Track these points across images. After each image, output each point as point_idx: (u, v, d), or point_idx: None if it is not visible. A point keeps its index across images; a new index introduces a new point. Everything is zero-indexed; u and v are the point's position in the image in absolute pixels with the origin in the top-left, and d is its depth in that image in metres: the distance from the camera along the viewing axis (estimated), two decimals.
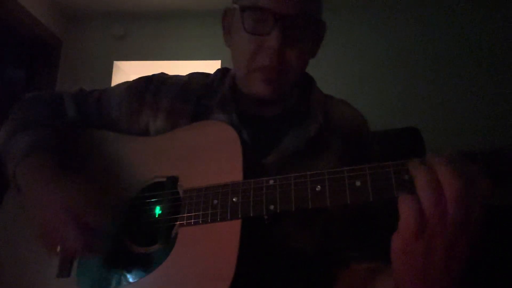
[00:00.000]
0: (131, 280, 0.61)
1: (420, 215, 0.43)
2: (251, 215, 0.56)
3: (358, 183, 0.50)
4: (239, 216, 0.57)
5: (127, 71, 2.85)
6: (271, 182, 0.56)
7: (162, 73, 0.84)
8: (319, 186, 0.53)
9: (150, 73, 0.84)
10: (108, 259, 0.64)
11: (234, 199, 0.58)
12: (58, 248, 0.61)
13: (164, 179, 0.67)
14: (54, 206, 0.60)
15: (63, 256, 0.66)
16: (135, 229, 0.66)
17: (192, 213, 0.60)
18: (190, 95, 0.79)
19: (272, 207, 0.55)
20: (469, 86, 2.42)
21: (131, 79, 0.85)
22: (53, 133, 0.73)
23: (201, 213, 0.60)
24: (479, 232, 0.43)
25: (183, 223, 0.61)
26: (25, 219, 0.69)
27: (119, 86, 0.85)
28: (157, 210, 0.66)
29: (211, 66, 2.57)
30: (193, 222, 0.60)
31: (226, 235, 0.57)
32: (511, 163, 0.44)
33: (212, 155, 0.64)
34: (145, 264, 0.61)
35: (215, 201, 0.59)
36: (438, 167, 0.43)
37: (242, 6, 0.70)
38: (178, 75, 0.84)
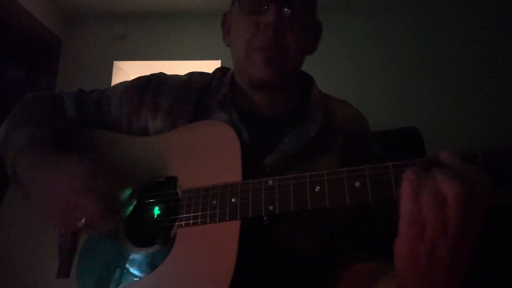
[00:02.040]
0: (130, 280, 0.61)
1: (418, 218, 0.42)
2: (250, 215, 0.56)
3: (357, 184, 0.50)
4: (238, 216, 0.57)
5: (127, 71, 2.84)
6: (270, 182, 0.56)
7: (161, 73, 0.84)
8: (318, 187, 0.53)
9: (150, 73, 0.84)
10: (108, 259, 0.64)
11: (233, 200, 0.58)
12: (83, 221, 0.59)
13: (163, 179, 0.66)
14: (65, 183, 0.59)
15: (64, 251, 0.65)
16: (134, 230, 0.66)
17: (191, 213, 0.60)
18: (190, 94, 0.78)
19: (271, 207, 0.55)
20: (469, 86, 2.42)
21: (131, 79, 0.85)
22: (52, 132, 0.73)
23: (200, 213, 0.59)
24: (482, 234, 0.42)
25: (182, 223, 0.61)
26: (27, 214, 0.68)
27: (118, 86, 0.85)
28: (156, 211, 0.66)
29: (211, 66, 2.56)
30: (192, 222, 0.60)
31: (225, 236, 0.57)
32: (511, 163, 0.44)
33: (211, 155, 0.64)
34: (144, 265, 0.61)
35: (214, 202, 0.59)
36: (436, 171, 0.43)
37: None
38: (177, 75, 0.84)
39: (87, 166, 0.61)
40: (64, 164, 0.62)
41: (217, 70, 0.85)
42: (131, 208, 0.63)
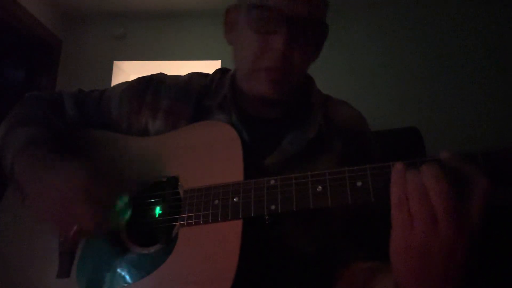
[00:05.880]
0: (132, 280, 0.61)
1: (405, 208, 0.44)
2: (252, 215, 0.56)
3: (359, 183, 0.50)
4: (240, 216, 0.57)
5: (127, 71, 2.85)
6: (272, 182, 0.56)
7: (162, 74, 0.84)
8: (320, 187, 0.53)
9: (150, 73, 0.84)
10: (109, 259, 0.64)
11: (235, 199, 0.58)
12: (74, 229, 0.58)
13: (165, 179, 0.67)
14: (60, 189, 0.59)
15: (65, 251, 0.65)
16: (136, 229, 0.66)
17: (192, 213, 0.60)
18: (190, 95, 0.78)
19: (273, 207, 0.55)
20: (469, 86, 2.42)
21: (131, 79, 0.85)
22: (52, 132, 0.73)
23: (202, 213, 0.60)
24: (479, 234, 0.42)
25: (184, 223, 0.61)
26: (26, 214, 0.68)
27: (119, 86, 0.85)
28: (158, 210, 0.66)
29: (211, 66, 2.57)
30: (194, 222, 0.60)
31: (227, 235, 0.57)
32: (511, 163, 0.44)
33: (213, 155, 0.64)
34: (146, 265, 0.61)
35: (216, 201, 0.59)
36: (424, 166, 0.44)
37: (250, 4, 0.68)
38: (177, 75, 0.84)
39: (83, 174, 0.60)
40: (61, 169, 0.62)
41: (217, 71, 0.85)
42: (127, 215, 0.63)
